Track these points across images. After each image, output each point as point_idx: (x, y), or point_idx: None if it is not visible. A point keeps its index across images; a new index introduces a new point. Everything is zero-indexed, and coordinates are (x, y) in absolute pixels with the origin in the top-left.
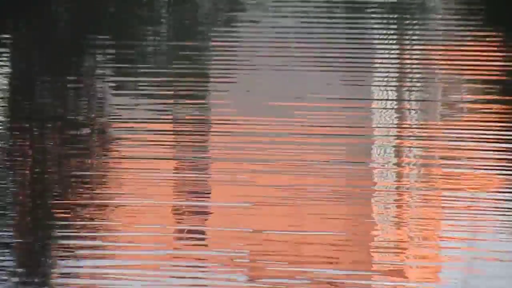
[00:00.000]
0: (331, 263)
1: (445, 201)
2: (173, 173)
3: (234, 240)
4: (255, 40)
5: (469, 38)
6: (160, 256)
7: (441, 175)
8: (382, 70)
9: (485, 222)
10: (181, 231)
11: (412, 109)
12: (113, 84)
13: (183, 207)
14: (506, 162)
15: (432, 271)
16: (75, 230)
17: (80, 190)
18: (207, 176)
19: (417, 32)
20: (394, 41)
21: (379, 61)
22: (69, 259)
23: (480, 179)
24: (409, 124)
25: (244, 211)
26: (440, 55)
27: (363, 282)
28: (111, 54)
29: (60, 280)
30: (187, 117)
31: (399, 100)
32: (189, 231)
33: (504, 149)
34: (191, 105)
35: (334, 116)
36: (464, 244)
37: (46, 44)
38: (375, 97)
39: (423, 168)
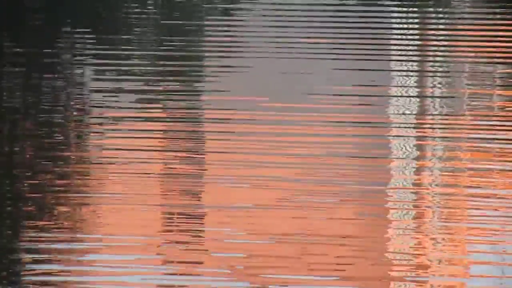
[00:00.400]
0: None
1: (471, 201)
2: (163, 167)
3: (231, 244)
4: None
5: (499, 22)
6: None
7: (467, 171)
8: (402, 53)
9: None
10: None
11: (436, 98)
12: (94, 69)
13: (175, 212)
14: None
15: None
16: (51, 230)
17: (58, 188)
18: (201, 171)
19: (441, 15)
20: (415, 25)
21: (399, 43)
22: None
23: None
24: (432, 115)
25: (241, 212)
26: (467, 40)
27: None
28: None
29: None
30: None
31: (421, 87)
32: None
33: None
34: (183, 93)
35: (346, 107)
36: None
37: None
38: (394, 84)
39: (447, 163)
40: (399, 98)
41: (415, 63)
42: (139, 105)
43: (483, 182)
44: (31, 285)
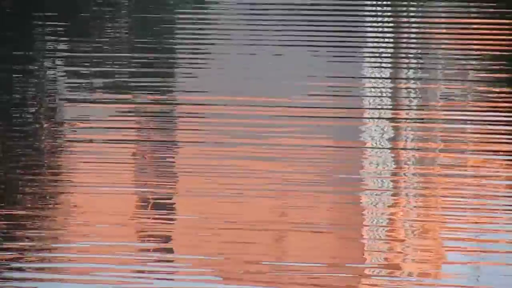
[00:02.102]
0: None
1: (447, 189)
2: (134, 158)
3: (204, 232)
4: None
5: (473, 10)
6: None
7: (441, 162)
8: (375, 45)
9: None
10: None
11: (410, 89)
12: (65, 63)
13: (148, 198)
14: None
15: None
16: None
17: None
18: (173, 162)
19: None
20: (389, 13)
21: (372, 35)
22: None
23: (486, 166)
24: (406, 105)
25: (212, 201)
26: (441, 27)
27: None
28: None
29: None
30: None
31: (395, 79)
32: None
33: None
34: (155, 87)
35: (321, 98)
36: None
37: None
38: (366, 76)
39: (420, 153)
40: (373, 89)
41: (389, 55)
42: (110, 98)
43: (456, 168)
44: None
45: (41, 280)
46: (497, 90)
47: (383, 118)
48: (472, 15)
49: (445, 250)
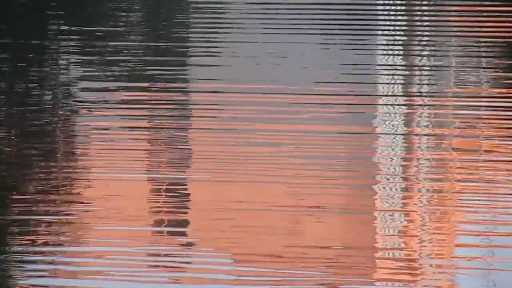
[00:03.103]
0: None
1: (461, 174)
2: (149, 145)
3: (219, 220)
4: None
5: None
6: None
7: (455, 147)
8: (388, 33)
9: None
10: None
11: (424, 76)
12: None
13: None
14: None
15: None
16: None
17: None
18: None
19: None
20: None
21: (384, 23)
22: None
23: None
24: (419, 92)
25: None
26: (455, 15)
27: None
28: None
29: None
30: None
31: (409, 66)
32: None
33: None
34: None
35: (334, 86)
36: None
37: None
38: (379, 63)
39: (435, 139)
40: (386, 76)
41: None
42: (124, 86)
43: (470, 153)
44: (19, 255)
45: (54, 262)
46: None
47: (396, 105)
48: (485, 2)
49: (458, 233)
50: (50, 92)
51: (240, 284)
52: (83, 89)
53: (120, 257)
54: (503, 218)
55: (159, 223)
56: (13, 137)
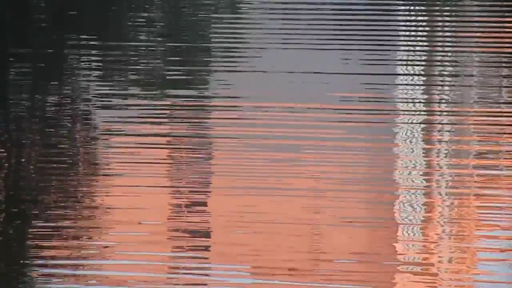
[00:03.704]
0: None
1: (481, 188)
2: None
3: (239, 234)
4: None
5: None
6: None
7: (474, 156)
8: (409, 43)
9: None
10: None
11: (445, 85)
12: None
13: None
14: None
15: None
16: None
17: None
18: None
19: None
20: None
21: (405, 33)
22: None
23: None
24: (438, 100)
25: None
26: (476, 28)
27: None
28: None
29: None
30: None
31: (428, 75)
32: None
33: None
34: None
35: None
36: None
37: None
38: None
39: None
40: (406, 86)
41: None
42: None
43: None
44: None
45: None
46: None
47: (415, 123)
48: (506, 14)
49: (479, 249)
50: (71, 107)
51: None
52: (104, 107)
53: (137, 270)
54: None
55: (178, 235)
56: (35, 150)
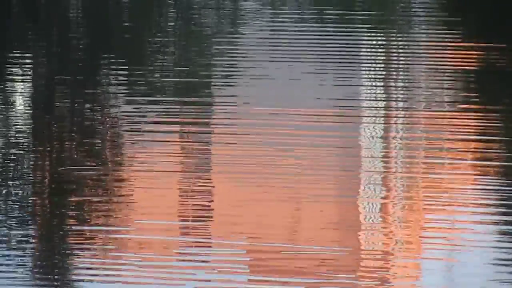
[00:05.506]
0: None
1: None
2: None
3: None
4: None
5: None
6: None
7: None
8: (370, 72)
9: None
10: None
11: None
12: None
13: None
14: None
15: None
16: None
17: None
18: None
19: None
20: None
21: (366, 64)
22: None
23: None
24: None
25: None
26: (423, 51)
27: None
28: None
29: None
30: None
31: (386, 86)
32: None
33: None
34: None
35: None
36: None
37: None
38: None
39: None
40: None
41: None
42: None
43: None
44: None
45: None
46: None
47: (376, 137)
48: (446, 39)
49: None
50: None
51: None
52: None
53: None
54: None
55: (185, 227)
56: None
